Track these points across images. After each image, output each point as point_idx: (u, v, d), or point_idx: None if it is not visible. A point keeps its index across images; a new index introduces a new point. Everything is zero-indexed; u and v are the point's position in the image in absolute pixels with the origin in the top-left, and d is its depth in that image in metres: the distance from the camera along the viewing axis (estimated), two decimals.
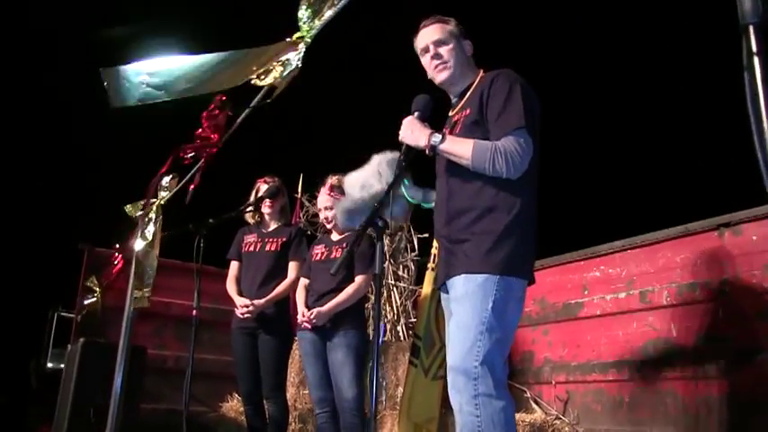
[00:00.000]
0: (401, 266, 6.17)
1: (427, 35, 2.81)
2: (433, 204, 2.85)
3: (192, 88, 2.00)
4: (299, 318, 4.09)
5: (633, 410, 4.03)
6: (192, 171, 2.68)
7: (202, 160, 2.56)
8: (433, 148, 2.58)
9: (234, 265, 4.56)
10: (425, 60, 2.83)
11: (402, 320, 5.70)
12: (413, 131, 2.61)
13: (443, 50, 2.77)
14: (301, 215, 6.35)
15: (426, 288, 4.70)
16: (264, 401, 4.49)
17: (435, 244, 4.77)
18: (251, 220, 4.67)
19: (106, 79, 2.11)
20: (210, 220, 3.74)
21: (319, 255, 4.30)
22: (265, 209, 4.56)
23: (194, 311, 4.13)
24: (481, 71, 2.80)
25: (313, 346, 4.15)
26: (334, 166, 4.42)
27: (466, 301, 2.48)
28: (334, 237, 4.35)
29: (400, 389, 4.86)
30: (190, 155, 2.49)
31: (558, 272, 4.73)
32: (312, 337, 4.14)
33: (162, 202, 3.09)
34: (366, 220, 2.54)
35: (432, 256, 4.73)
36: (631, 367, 4.08)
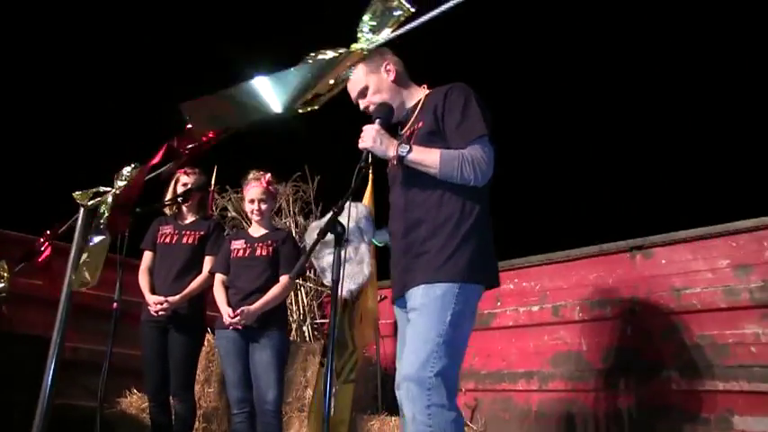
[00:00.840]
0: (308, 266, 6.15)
1: (350, 89, 2.82)
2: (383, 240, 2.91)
3: (265, 109, 1.89)
4: (225, 317, 4.00)
5: (541, 420, 4.18)
6: (168, 166, 2.56)
7: (185, 156, 2.46)
8: (401, 158, 2.58)
9: (147, 256, 4.41)
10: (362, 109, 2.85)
11: (308, 320, 5.67)
12: (381, 141, 2.60)
13: (370, 99, 2.79)
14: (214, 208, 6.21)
15: None
16: (171, 399, 4.37)
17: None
18: (168, 211, 4.53)
19: (188, 113, 2.03)
20: (138, 210, 3.60)
21: (241, 251, 4.22)
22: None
23: (115, 304, 3.98)
24: (424, 86, 2.84)
25: (234, 345, 4.07)
26: (247, 157, 4.38)
27: (424, 312, 2.49)
28: (255, 232, 4.27)
29: (308, 390, 4.84)
30: (188, 147, 2.38)
31: None
32: (234, 336, 4.06)
33: (117, 192, 2.95)
34: (324, 227, 2.50)
35: None
36: (540, 378, 4.23)
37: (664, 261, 3.82)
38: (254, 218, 4.26)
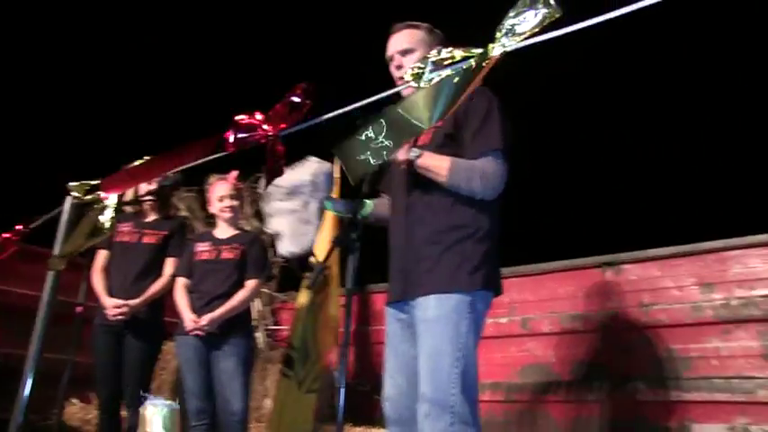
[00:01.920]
0: None
1: (394, 43, 2.74)
2: (370, 213, 2.84)
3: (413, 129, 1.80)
4: (188, 323, 3.86)
5: (506, 429, 4.27)
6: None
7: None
8: (410, 162, 2.54)
9: (102, 255, 4.14)
10: (391, 69, 2.75)
11: (261, 328, 5.60)
12: None
13: (407, 61, 2.67)
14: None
15: (302, 299, 4.68)
16: (125, 409, 4.19)
17: (318, 252, 4.77)
18: (129, 208, 4.35)
19: (342, 156, 1.92)
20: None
21: (206, 254, 4.09)
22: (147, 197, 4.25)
23: (79, 308, 3.79)
24: None
25: (196, 353, 3.90)
26: None
27: (438, 326, 2.43)
28: (221, 234, 4.14)
29: (267, 400, 4.77)
30: (240, 141, 2.27)
31: None
32: (195, 343, 3.89)
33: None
34: (338, 237, 2.47)
35: (310, 264, 4.72)
36: (507, 389, 4.33)
37: (633, 277, 4.01)
38: (225, 215, 4.10)
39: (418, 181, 2.58)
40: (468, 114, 2.57)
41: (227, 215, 4.12)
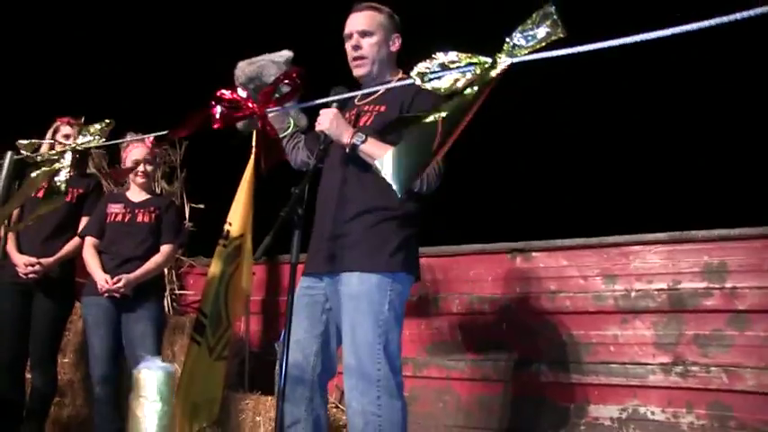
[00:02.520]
0: None
1: (354, 22, 2.81)
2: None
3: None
4: (101, 284, 3.80)
5: (411, 404, 4.41)
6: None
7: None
8: (354, 147, 2.62)
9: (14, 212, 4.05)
10: (347, 46, 2.82)
11: (167, 291, 5.51)
12: (337, 126, 2.64)
13: (366, 43, 2.77)
14: None
15: (216, 266, 4.63)
16: (31, 372, 4.07)
17: (229, 220, 4.73)
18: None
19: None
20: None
21: (119, 215, 4.02)
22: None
23: None
24: (401, 72, 2.87)
25: (106, 315, 3.86)
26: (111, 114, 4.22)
27: (362, 302, 2.59)
28: (134, 196, 4.08)
29: (175, 366, 4.72)
30: (227, 117, 2.23)
31: None
32: (106, 305, 3.85)
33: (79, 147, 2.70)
34: (287, 211, 2.50)
35: (224, 232, 4.67)
36: (413, 365, 4.48)
37: (541, 265, 4.22)
38: (138, 180, 4.07)
39: (355, 160, 2.67)
40: (413, 104, 2.65)
41: (141, 180, 4.07)
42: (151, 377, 1.76)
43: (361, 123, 2.76)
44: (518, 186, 5.78)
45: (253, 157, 4.93)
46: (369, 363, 2.53)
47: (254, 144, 4.96)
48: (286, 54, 2.88)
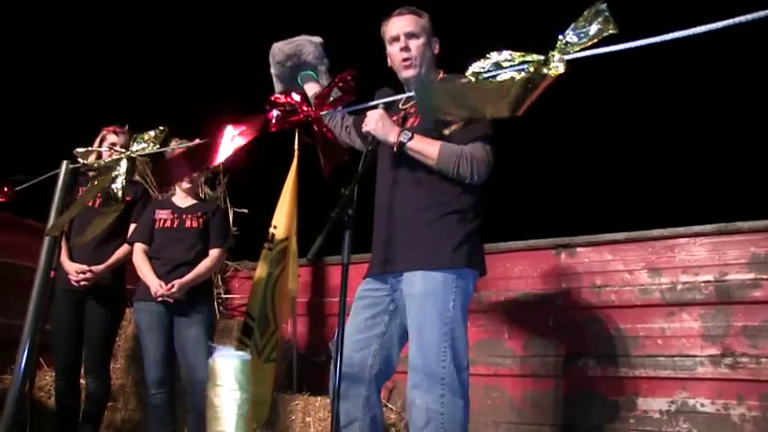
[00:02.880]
0: None
1: (400, 24, 2.84)
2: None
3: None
4: (156, 289, 3.89)
5: None
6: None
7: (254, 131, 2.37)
8: (402, 145, 2.66)
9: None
10: (393, 49, 2.86)
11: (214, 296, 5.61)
12: (383, 125, 2.68)
13: (413, 45, 2.81)
14: None
15: (261, 269, 4.73)
16: (85, 377, 4.17)
17: (274, 223, 4.82)
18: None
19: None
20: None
21: (168, 221, 4.10)
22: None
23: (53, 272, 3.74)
24: (441, 72, 2.90)
25: (159, 320, 3.94)
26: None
27: (427, 301, 2.60)
28: (181, 202, 4.17)
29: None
30: (283, 120, 2.29)
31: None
32: (158, 310, 3.94)
33: (134, 155, 2.78)
34: (337, 212, 2.51)
35: (269, 236, 4.77)
36: None
37: (586, 260, 4.24)
38: (184, 185, 4.16)
39: (407, 159, 2.71)
40: None
41: (187, 185, 4.15)
42: (227, 365, 1.80)
43: (408, 125, 2.79)
44: (562, 182, 5.80)
45: (295, 160, 5.03)
46: (434, 361, 2.55)
47: (296, 147, 5.05)
48: (318, 38, 2.98)
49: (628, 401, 3.96)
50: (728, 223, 3.88)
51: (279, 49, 2.97)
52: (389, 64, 2.94)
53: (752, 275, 3.78)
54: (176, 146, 3.84)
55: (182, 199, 4.18)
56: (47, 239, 2.83)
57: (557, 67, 1.66)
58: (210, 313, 4.10)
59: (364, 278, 2.90)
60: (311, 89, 2.93)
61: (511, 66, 1.75)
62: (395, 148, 2.69)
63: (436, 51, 2.90)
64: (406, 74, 2.84)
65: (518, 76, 1.73)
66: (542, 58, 1.70)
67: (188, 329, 3.92)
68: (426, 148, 2.66)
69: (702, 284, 3.88)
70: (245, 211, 5.71)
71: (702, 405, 3.78)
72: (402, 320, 2.77)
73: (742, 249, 3.83)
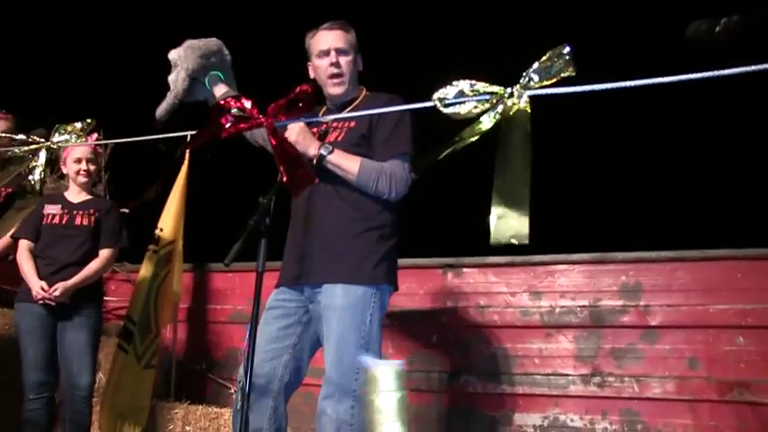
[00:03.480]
0: None
1: (331, 39, 2.87)
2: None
3: None
4: (37, 290, 3.70)
5: None
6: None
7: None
8: (321, 157, 2.70)
9: None
10: (321, 62, 2.88)
11: None
12: (304, 138, 2.71)
13: (343, 61, 2.85)
14: None
15: (145, 272, 4.59)
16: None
17: (161, 226, 4.68)
18: None
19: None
20: None
21: (57, 217, 3.90)
22: None
23: None
24: (363, 89, 2.98)
25: (41, 323, 3.77)
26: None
27: (346, 314, 2.67)
28: (73, 197, 3.98)
29: (99, 374, 4.60)
30: (237, 128, 2.19)
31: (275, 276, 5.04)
32: (40, 312, 3.76)
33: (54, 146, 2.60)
34: (254, 221, 2.51)
35: (155, 238, 4.63)
36: None
37: (472, 281, 4.43)
38: (80, 179, 3.96)
39: (326, 173, 2.75)
40: (381, 118, 2.77)
41: (83, 179, 3.97)
42: (387, 372, 1.98)
43: (331, 139, 2.83)
44: (449, 204, 6.01)
45: (186, 162, 4.90)
46: (349, 373, 2.61)
47: (187, 150, 4.93)
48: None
49: (505, 417, 4.18)
50: (603, 253, 4.20)
51: (204, 43, 2.89)
52: (312, 76, 2.95)
53: (621, 302, 4.10)
54: (107, 142, 3.64)
55: (75, 194, 3.98)
56: None
57: (520, 99, 1.78)
58: (98, 317, 3.94)
59: (276, 287, 2.91)
60: (220, 90, 2.88)
61: (475, 94, 1.86)
62: (314, 161, 2.71)
63: (360, 68, 2.95)
64: (334, 90, 2.88)
65: (481, 107, 1.84)
66: (507, 90, 1.82)
67: (71, 333, 3.76)
68: (346, 163, 2.70)
69: (578, 308, 4.17)
70: (127, 210, 5.49)
71: (572, 420, 4.06)
72: (315, 331, 2.81)
73: (614, 278, 4.15)
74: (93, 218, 3.90)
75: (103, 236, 3.92)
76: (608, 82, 1.67)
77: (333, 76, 2.85)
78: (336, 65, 2.85)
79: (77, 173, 3.92)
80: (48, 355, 3.76)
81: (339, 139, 2.81)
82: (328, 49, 2.86)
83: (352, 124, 2.82)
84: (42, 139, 2.61)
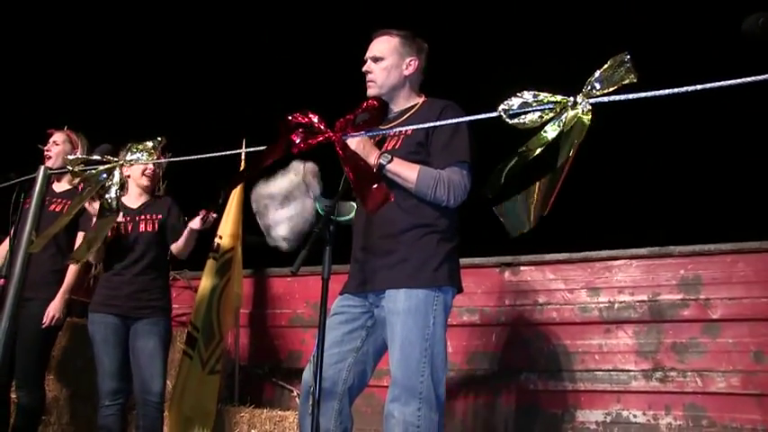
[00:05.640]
0: None
1: (370, 47, 2.97)
2: (350, 218, 3.01)
3: None
4: None
5: None
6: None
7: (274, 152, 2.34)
8: (381, 167, 2.73)
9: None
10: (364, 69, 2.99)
11: None
12: (364, 147, 2.75)
13: (375, 68, 2.92)
14: None
15: (207, 279, 4.71)
16: (16, 390, 4.04)
17: (220, 233, 4.80)
18: None
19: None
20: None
21: (122, 226, 4.04)
22: None
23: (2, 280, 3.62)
24: (423, 96, 2.99)
25: (114, 332, 3.89)
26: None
27: (409, 318, 2.69)
28: (132, 202, 4.11)
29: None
30: (307, 143, 2.26)
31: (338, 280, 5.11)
32: (114, 322, 3.88)
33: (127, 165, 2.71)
34: (319, 228, 2.55)
35: (215, 245, 4.75)
36: None
37: (529, 279, 4.45)
38: (144, 181, 4.10)
39: (387, 182, 2.72)
40: (438, 128, 2.77)
41: (147, 182, 4.14)
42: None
43: (389, 147, 2.87)
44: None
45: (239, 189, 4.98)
46: (414, 376, 2.65)
47: (242, 158, 5.05)
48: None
49: (567, 414, 4.19)
50: (661, 247, 4.18)
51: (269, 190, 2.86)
52: None
53: (681, 296, 4.09)
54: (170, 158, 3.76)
55: (134, 198, 4.12)
56: (20, 254, 2.72)
57: (584, 109, 1.80)
58: (167, 325, 4.04)
59: (340, 294, 2.97)
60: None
61: (539, 104, 1.89)
62: (374, 170, 2.77)
63: (407, 72, 2.95)
64: (368, 92, 2.94)
65: (545, 116, 1.88)
66: (570, 99, 1.85)
67: (143, 341, 3.87)
68: (405, 172, 2.73)
69: (637, 304, 4.16)
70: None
71: (635, 416, 4.05)
72: (380, 335, 2.85)
73: (673, 272, 4.13)
74: (156, 223, 4.03)
75: (169, 234, 4.06)
76: (665, 86, 1.68)
77: (367, 80, 2.94)
78: (367, 72, 2.94)
79: (143, 172, 4.05)
80: (122, 363, 3.88)
81: (397, 146, 2.85)
82: (365, 58, 2.96)
83: (409, 132, 2.85)
84: (115, 159, 2.69)
